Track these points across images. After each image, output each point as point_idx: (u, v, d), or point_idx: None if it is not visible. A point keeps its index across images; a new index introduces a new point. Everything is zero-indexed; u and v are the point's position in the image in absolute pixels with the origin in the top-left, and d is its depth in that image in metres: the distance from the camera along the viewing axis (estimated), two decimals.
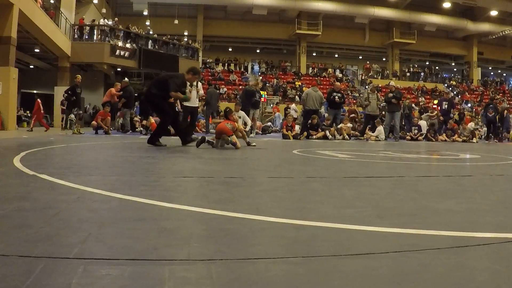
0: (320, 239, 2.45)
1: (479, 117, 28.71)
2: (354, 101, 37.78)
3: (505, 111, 26.24)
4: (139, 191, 3.88)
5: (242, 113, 20.02)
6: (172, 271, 1.83)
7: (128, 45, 32.20)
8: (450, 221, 3.03)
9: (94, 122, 20.09)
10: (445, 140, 22.96)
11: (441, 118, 24.10)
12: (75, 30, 31.08)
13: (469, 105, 45.37)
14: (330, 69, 51.23)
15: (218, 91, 27.19)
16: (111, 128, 21.03)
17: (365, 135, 21.75)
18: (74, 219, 2.76)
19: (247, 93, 21.80)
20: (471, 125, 26.80)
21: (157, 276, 1.77)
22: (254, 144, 11.51)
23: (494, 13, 49.42)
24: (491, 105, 25.06)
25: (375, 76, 50.54)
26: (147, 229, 2.54)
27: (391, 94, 21.30)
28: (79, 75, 20.88)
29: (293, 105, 27.37)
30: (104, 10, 38.84)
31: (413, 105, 28.86)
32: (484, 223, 3.02)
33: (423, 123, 24.41)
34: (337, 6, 47.27)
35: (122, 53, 31.57)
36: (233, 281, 1.75)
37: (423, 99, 43.26)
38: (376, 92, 22.83)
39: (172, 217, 2.95)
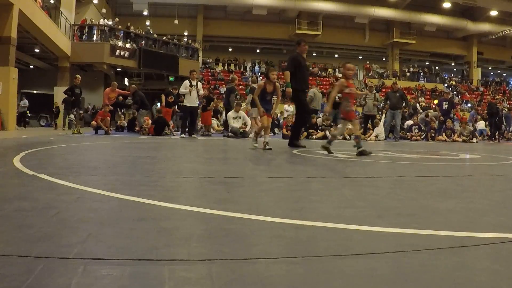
0: (320, 239, 2.45)
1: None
2: (354, 101, 37.81)
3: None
4: (139, 191, 3.87)
5: (242, 113, 20.04)
6: (172, 271, 1.83)
7: (128, 45, 32.24)
8: (450, 221, 3.02)
9: (93, 122, 20.11)
10: (445, 140, 23.01)
11: (441, 118, 24.13)
12: (75, 30, 31.10)
13: (469, 105, 45.41)
14: (330, 69, 51.36)
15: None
16: (112, 128, 21.04)
17: (367, 134, 21.84)
18: (74, 219, 2.76)
19: (226, 91, 21.94)
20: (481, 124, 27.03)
21: (157, 276, 1.77)
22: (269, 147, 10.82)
23: (494, 13, 49.60)
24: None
25: (375, 77, 50.61)
26: (147, 229, 2.53)
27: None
28: (78, 75, 20.87)
29: (285, 105, 27.38)
30: (104, 10, 38.89)
31: (418, 105, 28.95)
32: (484, 223, 3.01)
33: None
34: (337, 6, 47.37)
35: (122, 53, 31.60)
36: (233, 281, 1.75)
37: (423, 99, 43.33)
38: (374, 91, 22.84)
39: (172, 217, 2.95)
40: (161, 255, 2.04)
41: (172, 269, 1.86)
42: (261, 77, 39.61)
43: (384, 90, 38.60)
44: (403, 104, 22.06)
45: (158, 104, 23.53)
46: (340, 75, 47.24)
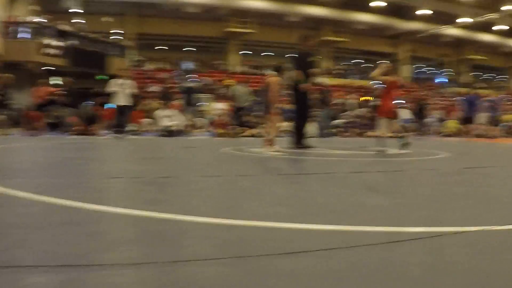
0: (251, 238, 2.45)
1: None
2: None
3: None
4: (68, 193, 3.78)
5: (173, 111, 19.90)
6: (102, 277, 1.79)
7: (58, 43, 31.50)
8: (381, 217, 3.07)
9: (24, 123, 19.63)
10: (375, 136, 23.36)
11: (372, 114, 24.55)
12: (5, 27, 30.25)
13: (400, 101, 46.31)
14: (260, 66, 51.55)
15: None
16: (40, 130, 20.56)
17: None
18: None
19: (163, 90, 21.78)
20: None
21: (87, 283, 1.73)
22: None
23: (423, 12, 50.93)
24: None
25: None
26: (76, 233, 2.47)
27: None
28: (7, 75, 20.26)
29: (216, 103, 27.37)
30: (34, 7, 37.94)
31: (349, 102, 29.36)
32: (415, 218, 3.07)
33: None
34: (268, 4, 47.48)
35: (52, 51, 30.85)
36: (165, 285, 1.73)
37: (354, 96, 43.93)
38: None
39: (102, 219, 2.89)
40: (90, 260, 2.00)
41: (102, 274, 1.82)
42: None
43: (318, 88, 38.84)
44: (323, 101, 22.29)
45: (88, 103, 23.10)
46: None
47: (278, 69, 10.22)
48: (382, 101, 10.21)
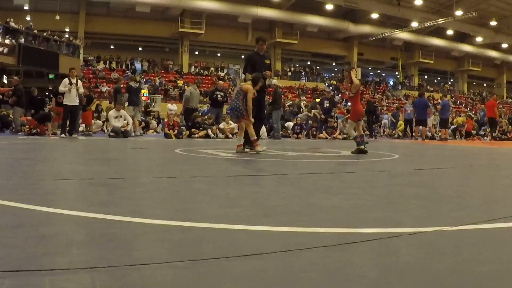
0: (206, 241, 2.41)
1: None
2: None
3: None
4: (16, 195, 3.68)
5: (123, 112, 19.74)
6: (52, 282, 1.73)
7: (7, 41, 30.91)
8: (336, 218, 3.07)
9: None
10: (326, 138, 23.59)
11: (322, 116, 24.75)
12: None
13: (349, 103, 46.84)
14: (212, 68, 51.67)
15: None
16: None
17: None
18: None
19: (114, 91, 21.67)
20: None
21: None
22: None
23: (374, 16, 51.81)
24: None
25: None
26: (25, 237, 2.39)
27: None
28: None
29: (169, 105, 27.34)
30: None
31: (302, 104, 29.59)
32: (370, 219, 3.07)
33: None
34: (220, 5, 47.58)
35: (0, 49, 30.28)
36: None
37: (304, 97, 44.22)
38: None
39: (52, 222, 2.81)
40: (40, 265, 1.93)
41: (52, 279, 1.76)
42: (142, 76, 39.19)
43: (269, 90, 39.10)
44: (275, 102, 22.47)
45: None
46: (221, 74, 47.56)
47: (256, 80, 10.17)
48: (354, 106, 10.53)
